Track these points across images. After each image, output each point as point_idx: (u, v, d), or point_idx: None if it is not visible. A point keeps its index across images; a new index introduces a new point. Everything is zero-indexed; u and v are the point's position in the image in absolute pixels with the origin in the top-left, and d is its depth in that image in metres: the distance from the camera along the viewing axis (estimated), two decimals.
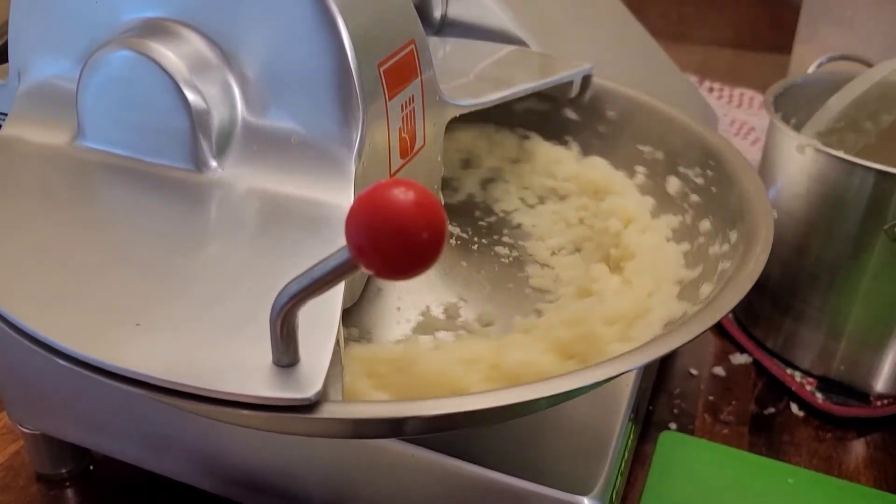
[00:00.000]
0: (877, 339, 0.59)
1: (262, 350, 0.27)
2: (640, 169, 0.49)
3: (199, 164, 0.35)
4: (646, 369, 0.48)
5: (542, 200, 0.50)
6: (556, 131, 0.52)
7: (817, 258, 0.59)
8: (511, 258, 0.47)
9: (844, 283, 0.58)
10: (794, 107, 0.64)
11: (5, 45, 0.39)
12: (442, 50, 0.52)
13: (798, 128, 0.59)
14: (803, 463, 0.56)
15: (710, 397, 0.62)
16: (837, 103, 0.60)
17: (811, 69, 0.68)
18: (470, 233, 0.49)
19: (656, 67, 0.72)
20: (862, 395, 0.61)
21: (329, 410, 0.27)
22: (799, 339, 0.62)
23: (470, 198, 0.51)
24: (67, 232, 0.34)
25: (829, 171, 0.56)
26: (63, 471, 0.54)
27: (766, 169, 0.62)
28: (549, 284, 0.46)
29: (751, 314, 0.67)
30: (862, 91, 0.60)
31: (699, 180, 0.45)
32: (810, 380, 0.62)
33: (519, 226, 0.49)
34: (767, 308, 0.64)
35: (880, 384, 0.60)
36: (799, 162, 0.57)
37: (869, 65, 0.70)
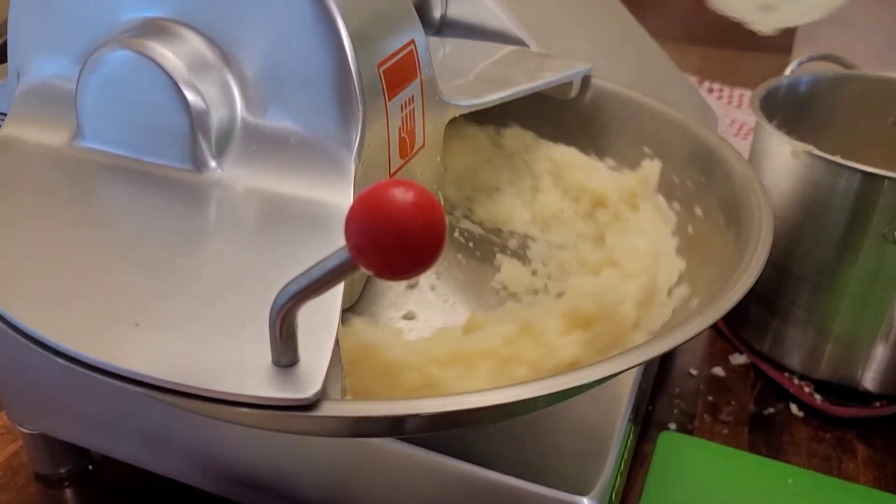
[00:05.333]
0: (864, 339, 0.59)
1: (262, 350, 0.27)
2: (639, 169, 0.49)
3: (198, 163, 0.35)
4: (645, 369, 0.48)
5: (536, 196, 0.50)
6: (554, 131, 0.52)
7: (803, 259, 0.59)
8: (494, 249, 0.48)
9: (831, 284, 0.58)
10: (776, 107, 0.64)
11: (4, 44, 0.39)
12: (442, 50, 0.52)
13: (780, 128, 0.59)
14: (803, 463, 0.56)
15: (710, 397, 0.62)
16: None
17: (788, 70, 0.69)
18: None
19: (656, 68, 0.72)
20: (851, 395, 0.61)
21: (328, 408, 0.27)
22: (787, 340, 0.62)
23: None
24: (66, 231, 0.34)
25: (815, 173, 0.56)
26: (62, 470, 0.54)
27: None
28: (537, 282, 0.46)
29: (739, 316, 0.67)
30: None
31: (698, 180, 0.45)
32: (808, 381, 0.62)
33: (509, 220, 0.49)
34: (755, 310, 0.64)
35: (868, 384, 0.60)
36: (785, 163, 0.57)
37: (846, 65, 0.70)
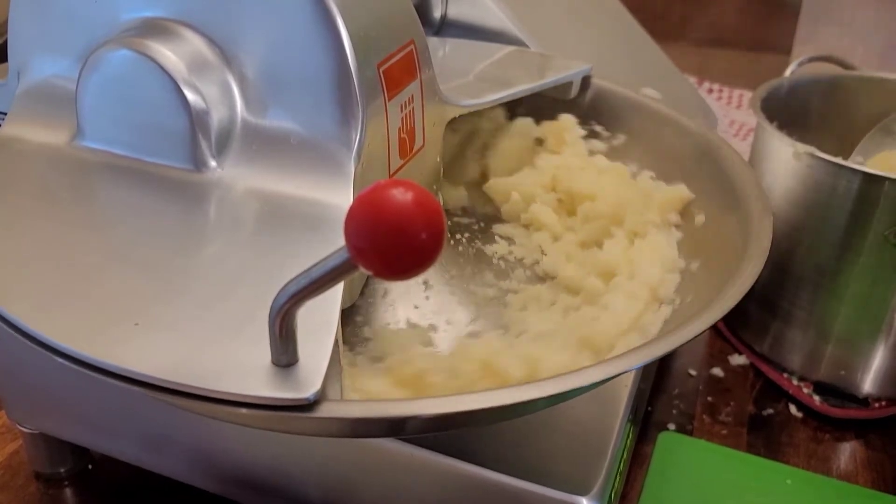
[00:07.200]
0: (864, 341, 0.59)
1: (261, 350, 0.27)
2: (638, 169, 0.49)
3: (198, 163, 0.35)
4: (645, 370, 0.48)
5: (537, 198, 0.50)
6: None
7: (804, 260, 0.59)
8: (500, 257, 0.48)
9: (831, 285, 0.58)
10: (777, 108, 0.64)
11: (5, 44, 0.39)
12: (442, 50, 0.52)
13: (781, 129, 0.59)
14: (801, 464, 0.56)
15: (709, 398, 0.62)
16: None
17: (788, 71, 0.69)
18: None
19: (656, 68, 0.72)
20: (851, 397, 0.61)
21: (327, 410, 0.27)
22: (787, 341, 0.62)
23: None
24: (66, 231, 0.34)
25: (816, 174, 0.56)
26: (62, 470, 0.54)
27: None
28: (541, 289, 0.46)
29: (739, 317, 0.67)
30: None
31: (697, 181, 0.45)
32: (807, 382, 0.62)
33: (509, 223, 0.49)
34: (755, 311, 0.64)
35: (868, 385, 0.60)
36: (786, 164, 0.57)
37: (846, 66, 0.70)
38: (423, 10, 0.54)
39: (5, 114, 0.40)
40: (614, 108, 0.50)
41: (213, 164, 0.35)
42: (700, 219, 0.44)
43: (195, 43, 0.35)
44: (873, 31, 0.84)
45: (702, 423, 0.59)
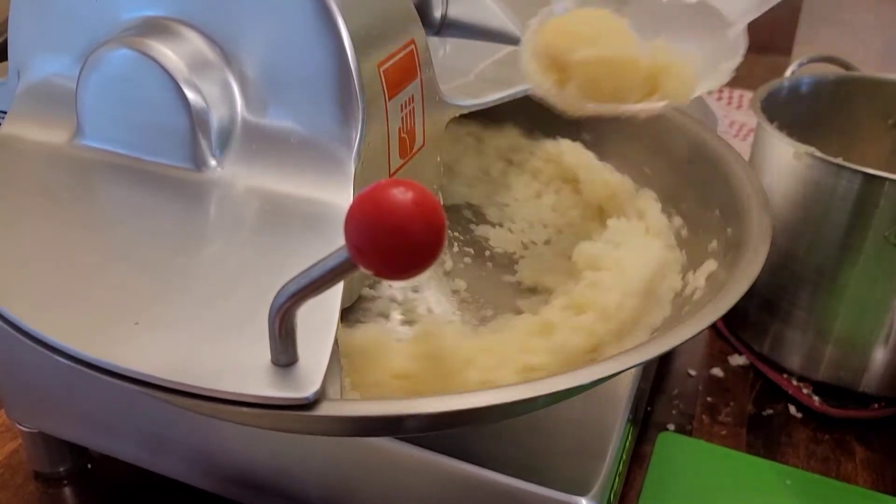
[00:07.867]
0: (863, 341, 0.59)
1: (261, 349, 0.27)
2: (637, 169, 0.49)
3: (198, 162, 0.35)
4: (644, 369, 0.48)
5: (536, 195, 0.50)
6: (553, 131, 0.52)
7: (804, 260, 0.59)
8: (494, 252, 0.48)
9: (831, 285, 0.58)
10: (777, 109, 0.64)
11: (5, 42, 0.39)
12: (442, 50, 0.52)
13: (781, 129, 0.59)
14: (801, 464, 0.56)
15: (709, 398, 0.62)
16: None
17: (788, 71, 0.69)
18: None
19: None
20: (850, 397, 0.61)
21: (326, 408, 0.27)
22: (787, 341, 0.62)
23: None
24: (66, 231, 0.34)
25: (816, 174, 0.56)
26: (61, 469, 0.54)
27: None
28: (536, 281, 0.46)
29: (739, 317, 0.67)
30: None
31: (697, 181, 0.45)
32: (807, 382, 0.62)
33: (507, 219, 0.49)
34: (754, 311, 0.64)
35: (867, 385, 0.60)
36: (786, 164, 0.57)
37: (846, 67, 0.70)
38: (423, 9, 0.54)
39: (5, 113, 0.40)
40: None
41: (213, 163, 0.35)
42: (701, 219, 0.44)
43: (195, 42, 0.35)
44: (873, 31, 0.84)
45: (701, 423, 0.59)
